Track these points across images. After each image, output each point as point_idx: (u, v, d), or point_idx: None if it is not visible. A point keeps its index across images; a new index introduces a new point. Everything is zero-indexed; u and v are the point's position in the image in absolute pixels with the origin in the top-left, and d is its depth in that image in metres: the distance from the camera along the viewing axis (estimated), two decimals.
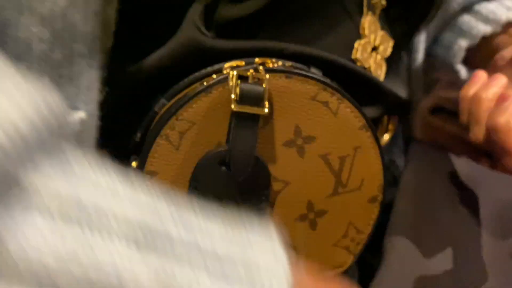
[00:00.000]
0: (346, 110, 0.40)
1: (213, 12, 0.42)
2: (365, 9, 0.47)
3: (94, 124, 0.37)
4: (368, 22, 0.47)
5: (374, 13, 0.48)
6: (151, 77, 0.42)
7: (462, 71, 0.59)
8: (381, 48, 0.48)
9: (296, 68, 0.41)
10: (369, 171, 0.42)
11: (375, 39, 0.48)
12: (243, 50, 0.42)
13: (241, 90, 0.37)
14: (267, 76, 0.38)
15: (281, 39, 0.43)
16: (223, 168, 0.38)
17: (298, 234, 0.42)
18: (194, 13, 0.42)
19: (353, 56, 0.46)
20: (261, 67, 0.38)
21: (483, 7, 0.58)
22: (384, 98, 0.48)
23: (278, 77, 0.39)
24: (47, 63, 0.33)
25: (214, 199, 0.38)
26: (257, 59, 0.41)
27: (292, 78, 0.39)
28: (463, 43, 0.58)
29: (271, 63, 0.40)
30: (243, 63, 0.40)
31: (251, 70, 0.38)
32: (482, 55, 0.59)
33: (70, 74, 0.34)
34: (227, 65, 0.40)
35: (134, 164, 0.43)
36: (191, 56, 0.41)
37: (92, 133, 0.37)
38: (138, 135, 0.42)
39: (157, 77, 0.42)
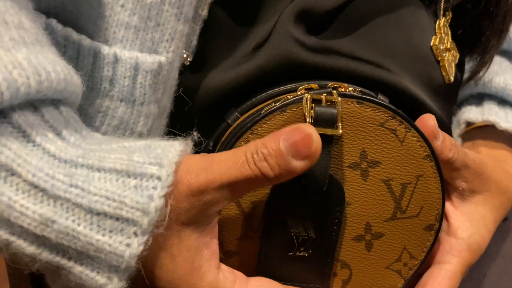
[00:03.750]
0: (413, 139, 0.41)
1: (303, 10, 0.43)
2: (441, 12, 0.49)
3: (172, 71, 0.40)
4: (443, 23, 0.49)
5: (446, 21, 0.50)
6: (230, 90, 0.44)
7: None
8: (452, 53, 0.50)
9: (366, 94, 0.43)
10: (429, 200, 0.43)
11: (447, 41, 0.49)
12: (325, 68, 0.43)
13: (315, 113, 0.38)
14: (340, 99, 0.40)
15: (360, 37, 0.45)
16: (299, 187, 0.39)
17: (353, 253, 0.43)
18: (288, 17, 0.42)
19: (432, 43, 0.48)
20: (334, 91, 0.40)
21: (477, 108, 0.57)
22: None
23: (350, 102, 0.40)
24: (140, 5, 0.37)
25: (290, 216, 0.40)
26: (330, 83, 0.43)
27: (363, 104, 0.40)
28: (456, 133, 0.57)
29: (343, 88, 0.42)
30: (316, 86, 0.42)
31: (325, 94, 0.39)
32: None
33: (158, 20, 0.38)
34: (301, 87, 0.42)
35: None
36: (281, 72, 0.43)
37: (170, 79, 0.40)
38: (211, 143, 0.45)
39: (236, 90, 0.44)
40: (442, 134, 0.43)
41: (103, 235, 0.34)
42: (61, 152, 0.35)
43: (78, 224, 0.34)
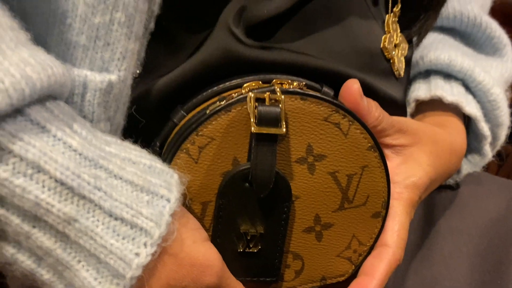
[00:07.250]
0: (356, 131, 0.42)
1: (244, 13, 0.43)
2: (390, 9, 0.51)
3: (125, 89, 0.40)
4: (391, 20, 0.51)
5: (395, 15, 0.52)
6: (177, 88, 0.43)
7: None
8: (401, 46, 0.51)
9: (310, 87, 0.43)
10: (374, 189, 0.44)
11: (396, 37, 0.51)
12: (267, 61, 0.43)
13: (259, 113, 0.39)
14: (283, 97, 0.40)
15: (305, 39, 0.45)
16: (246, 184, 0.40)
17: (304, 244, 0.44)
18: (228, 15, 0.43)
19: (381, 45, 0.49)
20: (278, 89, 0.41)
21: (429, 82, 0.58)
22: (386, 109, 0.50)
23: (294, 99, 0.41)
24: (87, 25, 0.37)
25: (239, 214, 0.41)
26: (274, 80, 0.43)
27: (306, 100, 0.41)
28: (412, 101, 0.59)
29: (287, 84, 0.42)
30: (259, 82, 0.43)
31: (268, 93, 0.40)
32: None
33: (107, 39, 0.38)
34: (246, 85, 0.42)
35: None
36: (223, 67, 0.43)
37: (123, 96, 0.40)
38: (158, 143, 0.45)
39: (182, 88, 0.44)
40: (365, 98, 0.44)
41: (117, 240, 0.35)
42: (83, 148, 0.35)
43: (97, 226, 0.35)
